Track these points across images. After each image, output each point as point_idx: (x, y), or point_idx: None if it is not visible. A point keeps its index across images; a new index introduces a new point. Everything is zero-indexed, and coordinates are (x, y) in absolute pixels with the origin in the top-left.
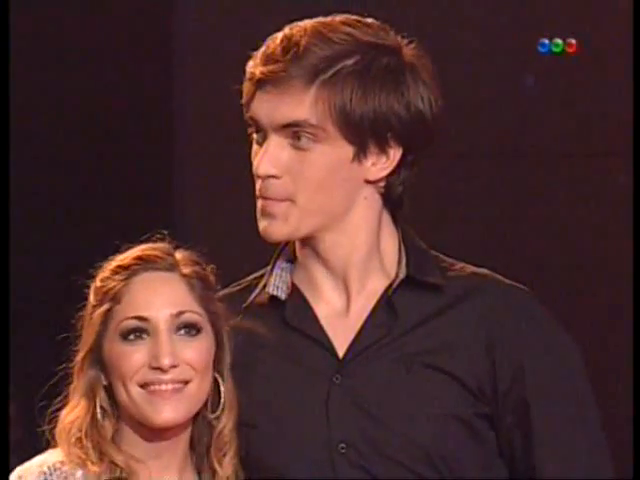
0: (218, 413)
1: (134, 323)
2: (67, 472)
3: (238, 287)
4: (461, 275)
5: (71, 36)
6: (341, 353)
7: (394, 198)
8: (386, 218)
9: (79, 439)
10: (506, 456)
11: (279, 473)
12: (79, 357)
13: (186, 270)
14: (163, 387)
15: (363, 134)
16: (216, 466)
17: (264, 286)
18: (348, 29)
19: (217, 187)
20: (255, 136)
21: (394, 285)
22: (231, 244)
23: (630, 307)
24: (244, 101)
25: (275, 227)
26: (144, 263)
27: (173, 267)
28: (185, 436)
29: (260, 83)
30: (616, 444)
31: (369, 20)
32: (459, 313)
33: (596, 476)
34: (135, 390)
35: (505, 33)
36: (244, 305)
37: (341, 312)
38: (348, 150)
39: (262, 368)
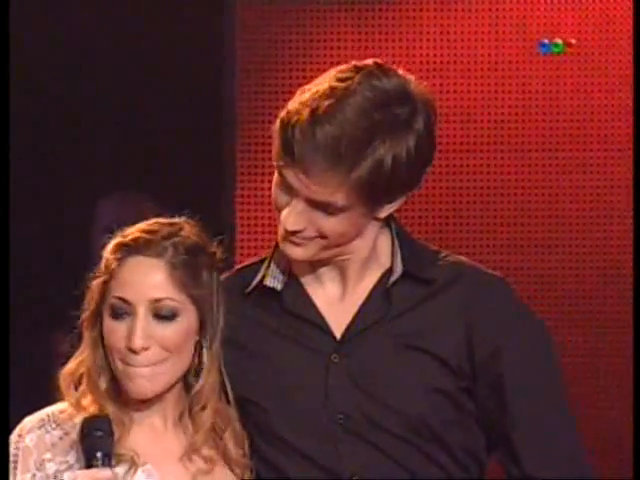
0: (198, 378)
1: (118, 303)
2: (64, 419)
3: (242, 271)
4: (445, 264)
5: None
6: (338, 335)
7: (390, 216)
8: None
9: (78, 384)
10: (482, 424)
11: (286, 441)
12: (85, 315)
13: (168, 255)
14: (137, 369)
15: (379, 200)
16: (188, 419)
17: (263, 276)
18: (358, 101)
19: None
20: (279, 177)
21: (392, 280)
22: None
23: (630, 306)
24: (274, 156)
25: (297, 252)
26: (139, 245)
27: (162, 254)
28: (163, 399)
29: (293, 165)
30: (616, 444)
31: (369, 66)
32: (443, 299)
33: (563, 441)
34: (118, 363)
35: (505, 33)
36: (246, 290)
37: (337, 298)
38: (367, 210)
39: (265, 350)
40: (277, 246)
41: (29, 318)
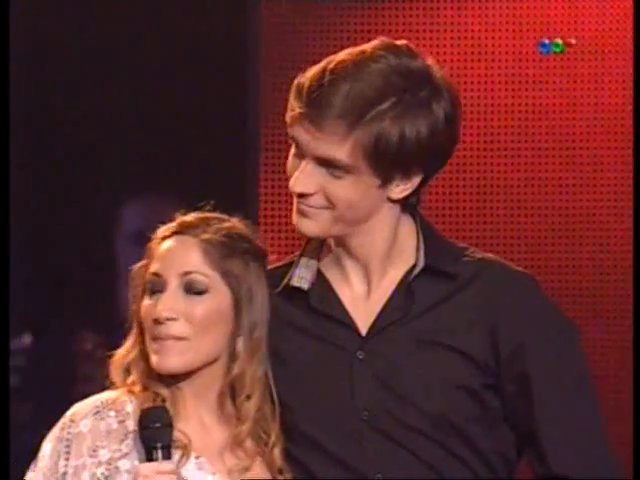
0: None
1: (152, 279)
2: (118, 407)
3: (273, 272)
4: (471, 260)
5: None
6: (363, 332)
7: (410, 205)
8: (403, 214)
9: (127, 370)
10: (510, 421)
11: (311, 439)
12: (131, 303)
13: (205, 236)
14: (162, 342)
15: (391, 169)
16: (230, 407)
17: (291, 276)
18: (381, 65)
19: None
20: (294, 148)
21: (414, 273)
22: None
23: (630, 305)
24: (287, 119)
25: (308, 225)
26: (182, 227)
27: (195, 232)
28: (209, 389)
29: (301, 117)
30: (616, 444)
31: (399, 44)
32: (467, 295)
33: (592, 440)
34: (148, 342)
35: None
36: (276, 290)
37: (363, 296)
38: (376, 180)
39: (292, 348)
40: (305, 247)
41: (53, 318)
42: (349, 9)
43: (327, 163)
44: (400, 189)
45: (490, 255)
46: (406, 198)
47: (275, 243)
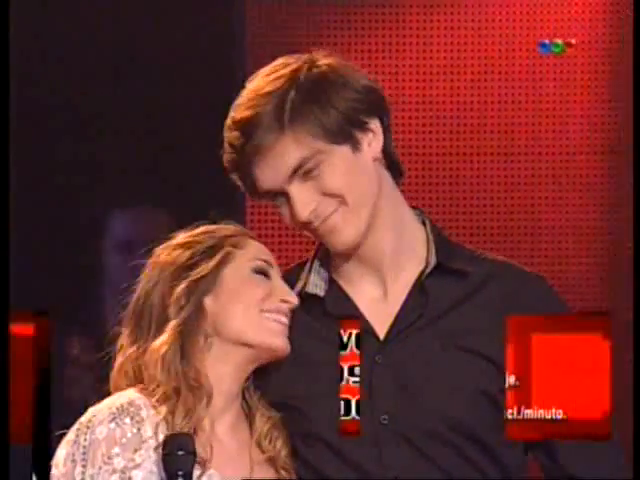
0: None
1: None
2: (133, 413)
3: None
4: (482, 262)
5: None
6: (381, 336)
7: (395, 164)
8: (409, 216)
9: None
10: None
11: (327, 442)
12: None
13: None
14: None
15: (346, 131)
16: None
17: (304, 284)
18: (265, 81)
19: None
20: (276, 205)
21: (426, 271)
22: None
23: (630, 305)
24: (240, 178)
25: (341, 238)
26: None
27: None
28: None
29: (247, 158)
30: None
31: (283, 61)
32: (483, 297)
33: (607, 443)
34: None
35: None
36: None
37: (379, 300)
38: (345, 150)
39: (308, 354)
40: (315, 254)
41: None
42: (335, 7)
43: (298, 171)
44: (373, 145)
45: (500, 257)
46: (390, 163)
47: None
